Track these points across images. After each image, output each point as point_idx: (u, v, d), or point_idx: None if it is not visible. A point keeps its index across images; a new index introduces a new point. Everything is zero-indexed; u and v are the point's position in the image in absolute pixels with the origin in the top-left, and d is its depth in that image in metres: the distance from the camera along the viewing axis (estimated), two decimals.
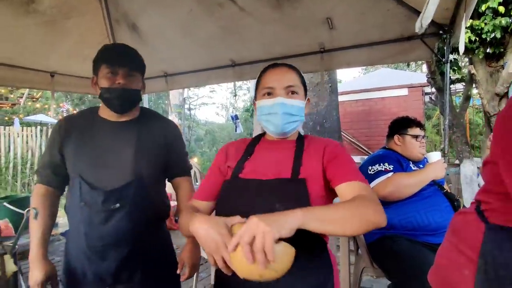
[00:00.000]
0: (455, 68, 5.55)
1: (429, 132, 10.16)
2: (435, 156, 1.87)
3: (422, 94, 9.57)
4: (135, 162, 1.25)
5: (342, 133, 7.01)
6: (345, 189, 0.94)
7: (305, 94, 1.11)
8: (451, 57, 5.19)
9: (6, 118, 10.84)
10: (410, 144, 1.99)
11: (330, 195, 1.02)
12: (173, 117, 9.14)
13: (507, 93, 4.48)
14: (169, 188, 1.47)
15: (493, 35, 4.43)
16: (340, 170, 0.98)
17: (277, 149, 1.08)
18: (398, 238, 1.75)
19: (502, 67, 4.72)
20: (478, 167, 4.81)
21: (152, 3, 2.08)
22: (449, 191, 1.91)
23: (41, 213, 1.21)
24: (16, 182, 7.45)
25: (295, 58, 2.34)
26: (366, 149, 9.67)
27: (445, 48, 1.91)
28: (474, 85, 5.41)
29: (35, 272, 1.19)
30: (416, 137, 1.98)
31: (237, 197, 0.98)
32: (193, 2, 2.01)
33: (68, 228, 1.32)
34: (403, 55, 2.12)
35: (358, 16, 1.93)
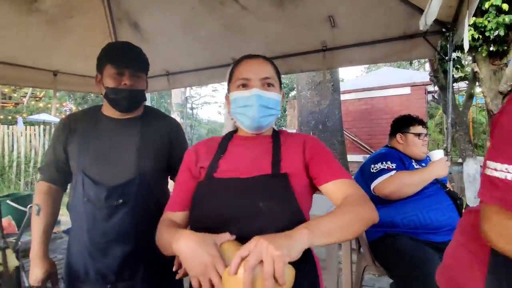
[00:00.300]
0: (458, 66, 5.51)
1: (432, 131, 10.12)
2: (437, 155, 1.86)
3: (425, 93, 9.53)
4: (138, 158, 1.26)
5: (344, 131, 6.99)
6: (333, 188, 0.91)
7: (280, 88, 1.05)
8: (454, 55, 5.17)
9: (10, 117, 10.91)
10: (412, 143, 1.98)
11: (311, 191, 0.99)
12: (175, 116, 9.18)
13: (510, 91, 4.45)
14: (171, 186, 1.47)
15: (496, 32, 4.40)
16: (325, 167, 0.95)
17: (252, 145, 1.02)
18: (400, 237, 1.75)
19: (506, 65, 4.68)
20: (481, 166, 4.78)
21: (154, 1, 2.08)
22: (451, 189, 1.90)
23: (43, 210, 1.22)
24: (20, 181, 7.49)
25: (297, 57, 2.33)
26: (369, 148, 9.66)
27: (448, 46, 1.90)
28: (477, 84, 5.37)
29: (36, 270, 1.20)
30: (418, 135, 1.97)
31: (215, 198, 0.90)
32: (195, 0, 2.01)
33: (71, 225, 1.33)
34: (405, 53, 2.11)
35: (360, 14, 1.93)
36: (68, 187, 1.37)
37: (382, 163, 1.85)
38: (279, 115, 1.04)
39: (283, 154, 0.97)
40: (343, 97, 7.73)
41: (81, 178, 1.22)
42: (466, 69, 6.73)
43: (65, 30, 2.10)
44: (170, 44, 2.44)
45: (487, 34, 4.48)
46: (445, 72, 4.94)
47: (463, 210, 1.74)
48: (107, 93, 1.25)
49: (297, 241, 0.69)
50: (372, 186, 1.81)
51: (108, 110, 1.32)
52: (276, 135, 1.05)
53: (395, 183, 1.74)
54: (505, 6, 4.28)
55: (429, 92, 9.56)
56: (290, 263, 0.67)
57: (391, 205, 1.82)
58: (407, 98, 9.53)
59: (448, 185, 1.95)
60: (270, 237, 0.68)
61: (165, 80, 2.86)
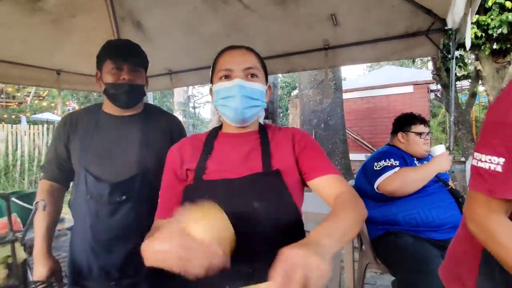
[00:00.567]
0: (461, 65, 5.49)
1: (435, 130, 10.10)
2: (439, 150, 1.87)
3: (428, 91, 9.51)
4: (141, 155, 1.27)
5: (346, 130, 6.99)
6: (323, 184, 0.89)
7: (266, 80, 1.01)
8: (457, 53, 5.14)
9: (13, 116, 10.98)
10: (414, 142, 1.97)
11: (303, 187, 0.96)
12: (177, 115, 9.20)
13: None
14: None
15: (499, 30, 4.38)
16: (314, 162, 0.93)
17: (239, 142, 0.98)
18: (402, 234, 1.75)
19: (509, 63, 4.66)
20: None
21: (157, 1, 2.09)
22: (453, 188, 1.90)
23: (46, 208, 1.23)
24: (23, 179, 7.54)
25: (299, 55, 2.33)
26: (371, 147, 9.65)
27: (450, 44, 1.90)
28: (480, 82, 5.36)
29: (39, 268, 1.21)
30: (420, 134, 1.97)
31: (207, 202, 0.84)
32: (198, 0, 2.02)
33: (73, 223, 1.34)
34: (408, 51, 2.10)
35: (362, 12, 1.92)
36: (70, 185, 1.38)
37: (385, 161, 1.85)
38: (264, 107, 1.00)
39: (273, 150, 0.94)
40: (345, 95, 7.73)
41: (83, 175, 1.23)
42: (469, 67, 6.70)
43: (68, 30, 2.12)
44: (173, 43, 2.45)
45: (490, 32, 4.46)
46: (448, 70, 4.92)
47: None
48: (107, 89, 1.26)
49: (325, 248, 0.62)
50: (377, 183, 1.81)
51: (109, 107, 1.33)
52: (263, 130, 1.01)
53: (400, 179, 1.75)
54: (509, 4, 4.27)
55: (432, 91, 9.53)
56: None
57: (393, 203, 1.82)
58: (410, 97, 9.51)
59: (450, 183, 1.95)
60: (302, 246, 0.60)
61: (167, 79, 2.87)
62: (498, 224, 0.71)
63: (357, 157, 8.74)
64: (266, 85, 1.01)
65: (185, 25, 2.25)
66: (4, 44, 2.02)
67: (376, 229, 1.87)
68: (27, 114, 10.95)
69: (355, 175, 2.09)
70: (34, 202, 1.01)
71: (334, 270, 2.08)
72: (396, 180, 1.75)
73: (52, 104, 12.76)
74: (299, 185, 0.95)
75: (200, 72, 2.78)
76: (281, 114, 16.25)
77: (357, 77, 16.09)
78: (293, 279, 0.54)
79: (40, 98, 13.86)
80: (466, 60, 6.13)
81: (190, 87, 14.75)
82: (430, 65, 13.22)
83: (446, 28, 1.87)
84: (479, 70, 4.86)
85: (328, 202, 0.89)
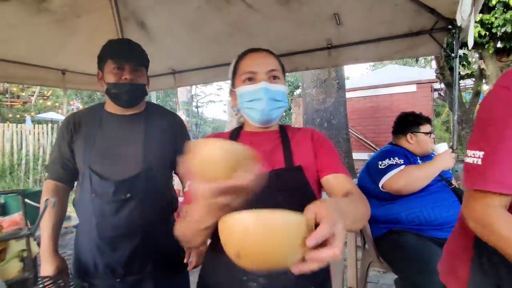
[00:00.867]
0: (465, 63, 5.47)
1: (438, 129, 10.05)
2: (442, 148, 1.87)
3: (431, 90, 9.46)
4: (144, 153, 1.28)
5: (349, 129, 6.97)
6: (335, 181, 0.92)
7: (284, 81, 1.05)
8: (460, 52, 5.12)
9: (18, 116, 11.05)
10: (423, 142, 1.98)
11: (320, 186, 0.99)
12: (180, 114, 9.21)
13: None
14: (177, 184, 1.49)
15: (503, 29, 4.36)
16: (328, 160, 0.96)
17: (262, 140, 1.01)
18: (405, 233, 1.76)
19: None
20: None
21: (160, 1, 2.10)
22: (457, 186, 1.90)
23: (50, 208, 1.24)
24: (28, 178, 7.61)
25: (303, 54, 2.34)
26: (374, 146, 9.62)
27: (454, 43, 1.90)
28: (484, 81, 5.33)
29: (46, 266, 1.22)
30: (429, 134, 1.98)
31: None
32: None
33: (78, 222, 1.35)
34: (411, 50, 2.10)
35: (365, 11, 1.92)
36: (75, 184, 1.40)
37: (389, 159, 1.86)
38: (286, 107, 1.04)
39: (294, 148, 0.98)
40: (348, 95, 7.71)
41: (88, 174, 1.24)
42: (473, 66, 6.67)
43: (73, 30, 2.13)
44: (176, 42, 2.46)
45: (494, 30, 4.44)
46: (451, 69, 4.90)
47: None
48: (109, 89, 1.27)
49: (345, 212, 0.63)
50: (382, 182, 1.81)
51: (111, 107, 1.34)
52: (283, 130, 1.05)
53: (405, 177, 1.75)
54: None
55: (435, 90, 9.50)
56: None
57: (396, 202, 1.82)
58: (413, 96, 9.47)
59: (454, 182, 1.95)
60: (330, 203, 0.59)
61: (171, 79, 2.89)
62: (497, 218, 0.72)
63: (360, 156, 8.73)
64: (286, 85, 1.04)
65: (188, 24, 2.26)
66: (10, 44, 2.05)
67: (379, 228, 1.88)
68: (32, 113, 11.03)
69: (358, 174, 2.09)
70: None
71: (337, 268, 2.09)
72: (402, 178, 1.75)
73: (57, 104, 12.84)
74: (318, 182, 0.98)
75: (203, 71, 2.79)
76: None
77: (360, 76, 16.04)
78: (332, 226, 0.52)
79: (45, 97, 13.94)
80: (469, 59, 6.10)
81: (194, 87, 14.78)
82: (433, 64, 13.15)
83: (449, 27, 1.87)
84: (483, 69, 4.84)
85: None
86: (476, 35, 4.40)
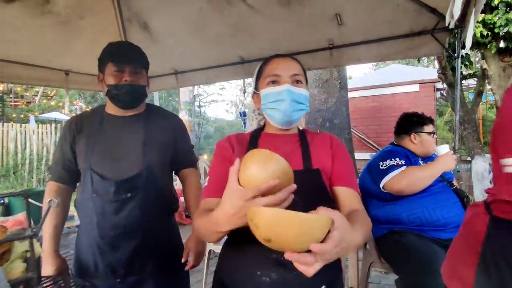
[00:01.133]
0: (467, 63, 5.45)
1: (441, 129, 10.01)
2: (443, 149, 1.87)
3: (434, 90, 9.43)
4: (144, 153, 1.30)
5: (351, 129, 6.97)
6: (343, 194, 0.96)
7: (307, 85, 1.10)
8: (463, 52, 5.10)
9: (22, 115, 11.11)
10: (427, 142, 1.98)
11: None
12: (183, 114, 9.24)
13: None
14: (178, 184, 1.51)
15: (506, 29, 4.34)
16: (343, 171, 0.99)
17: (281, 142, 1.05)
18: (406, 233, 1.76)
19: None
20: (489, 164, 4.74)
21: (163, 1, 2.11)
22: (458, 187, 1.90)
23: (53, 210, 1.25)
24: (32, 178, 7.66)
25: (304, 55, 2.34)
26: (376, 146, 9.60)
27: (456, 43, 1.89)
28: (486, 81, 5.31)
29: (47, 267, 1.24)
30: (432, 134, 1.98)
31: None
32: (203, 0, 2.04)
33: (79, 222, 1.37)
34: (413, 50, 2.10)
35: (367, 11, 1.93)
36: (77, 186, 1.41)
37: (391, 160, 1.86)
38: (307, 111, 1.07)
39: (312, 152, 1.01)
40: (350, 94, 7.70)
41: (89, 174, 1.26)
42: (476, 65, 6.64)
43: (76, 31, 2.15)
44: (179, 43, 2.48)
45: (496, 30, 4.42)
46: (453, 69, 4.89)
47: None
48: (109, 90, 1.30)
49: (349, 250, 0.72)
50: (383, 182, 1.82)
51: (112, 108, 1.37)
52: (302, 134, 1.09)
53: (407, 178, 1.75)
54: None
55: (438, 90, 9.46)
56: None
57: (397, 202, 1.83)
58: (416, 96, 9.44)
59: (455, 183, 1.95)
60: (343, 222, 0.67)
61: (173, 79, 2.90)
62: None
63: (362, 156, 8.71)
64: (308, 90, 1.08)
65: (190, 25, 2.28)
66: (14, 45, 2.07)
67: (380, 228, 1.88)
68: (36, 113, 11.08)
69: (359, 175, 2.09)
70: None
71: (339, 268, 2.09)
72: (403, 179, 1.76)
73: (60, 104, 12.90)
74: (331, 186, 1.00)
75: (205, 72, 2.80)
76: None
77: (362, 75, 16.01)
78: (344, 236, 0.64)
79: (48, 97, 14.01)
80: (472, 59, 6.08)
81: (196, 87, 14.80)
82: (436, 63, 13.10)
83: (451, 27, 1.87)
84: (485, 69, 4.82)
85: (341, 212, 0.92)
86: (478, 35, 4.38)
